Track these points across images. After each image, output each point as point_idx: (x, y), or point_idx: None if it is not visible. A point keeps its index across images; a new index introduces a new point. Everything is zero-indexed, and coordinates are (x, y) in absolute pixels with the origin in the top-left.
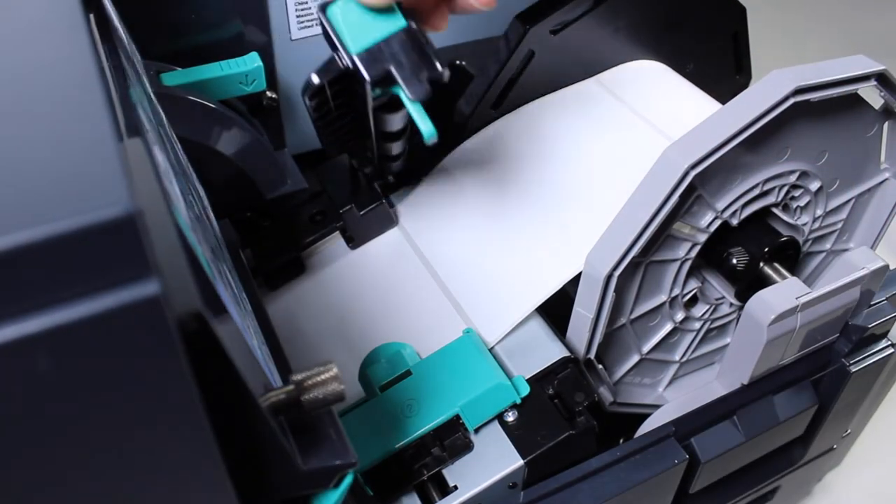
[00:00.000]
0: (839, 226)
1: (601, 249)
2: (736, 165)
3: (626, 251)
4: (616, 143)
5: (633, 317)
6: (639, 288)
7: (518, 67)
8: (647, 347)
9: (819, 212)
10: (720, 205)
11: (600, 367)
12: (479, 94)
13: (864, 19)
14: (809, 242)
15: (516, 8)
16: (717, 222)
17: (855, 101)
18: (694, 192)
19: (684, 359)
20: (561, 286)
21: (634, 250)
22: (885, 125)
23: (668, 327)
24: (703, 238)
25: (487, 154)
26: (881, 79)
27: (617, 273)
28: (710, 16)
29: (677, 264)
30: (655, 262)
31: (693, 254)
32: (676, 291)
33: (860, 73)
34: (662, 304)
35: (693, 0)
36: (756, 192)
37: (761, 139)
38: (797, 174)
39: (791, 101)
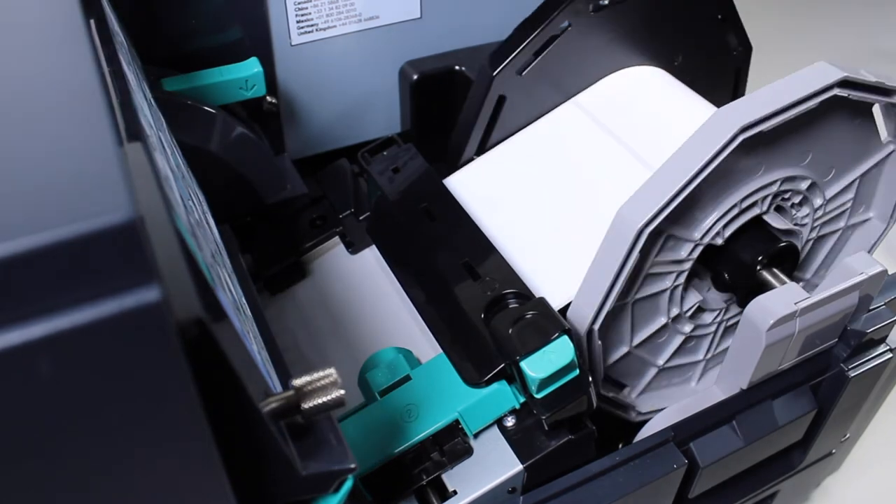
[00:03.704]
0: (849, 205)
1: (579, 306)
2: (703, 199)
3: (602, 303)
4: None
5: (635, 344)
6: (632, 324)
7: (553, 35)
8: (662, 360)
9: (819, 202)
10: (697, 234)
11: (599, 342)
12: (507, 54)
13: (864, 20)
14: (818, 228)
15: (517, 13)
16: (700, 248)
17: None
18: (661, 234)
19: (709, 355)
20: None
21: (610, 301)
22: (875, 108)
23: (680, 339)
24: (687, 266)
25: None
26: (846, 85)
27: (597, 327)
28: (711, 46)
29: (667, 293)
30: (641, 299)
31: (682, 279)
32: (676, 311)
33: (819, 87)
34: (665, 326)
35: (697, 27)
36: (736, 210)
37: (725, 172)
38: (779, 182)
39: (740, 139)
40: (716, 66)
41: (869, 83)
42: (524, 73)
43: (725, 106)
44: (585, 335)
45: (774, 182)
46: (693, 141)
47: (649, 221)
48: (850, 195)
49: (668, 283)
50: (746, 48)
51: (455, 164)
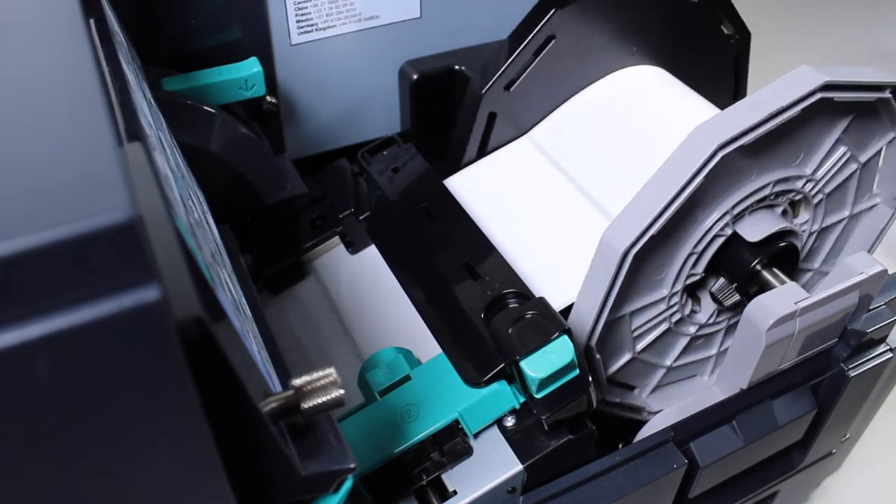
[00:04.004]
0: (852, 194)
1: (574, 324)
2: (693, 211)
3: (595, 322)
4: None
5: (639, 350)
6: (632, 332)
7: (537, 49)
8: (669, 361)
9: (818, 198)
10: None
11: (598, 356)
12: (494, 72)
13: (864, 20)
14: (820, 220)
15: (517, 12)
16: (693, 257)
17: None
18: (650, 252)
19: (722, 348)
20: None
21: (602, 320)
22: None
23: (686, 340)
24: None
25: (492, 173)
26: (830, 88)
27: (593, 343)
28: (712, 37)
29: (665, 301)
30: (639, 309)
31: (678, 286)
32: (677, 317)
33: (801, 94)
34: (668, 331)
35: (697, 18)
36: (728, 217)
37: (708, 189)
38: (772, 184)
39: (719, 155)
40: (714, 56)
41: (853, 83)
42: (512, 88)
43: (703, 122)
44: (584, 351)
45: (765, 186)
46: (672, 160)
47: (633, 244)
48: (852, 184)
49: (665, 291)
50: (744, 34)
51: (455, 168)
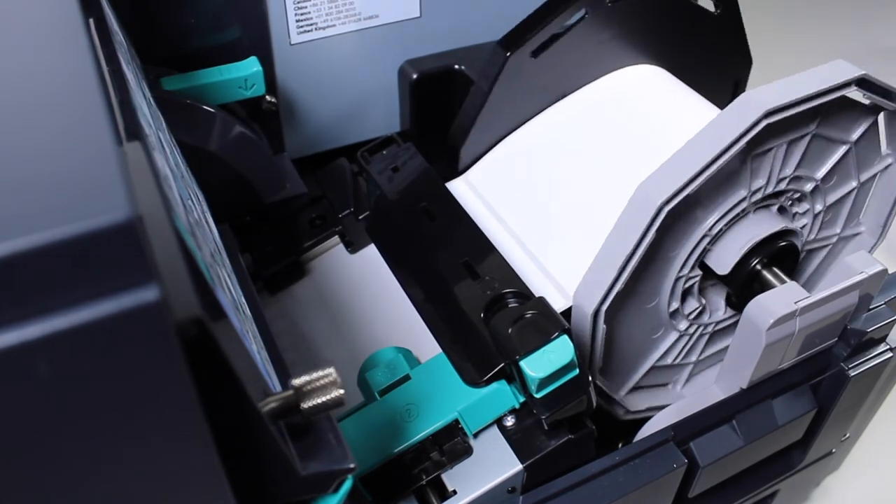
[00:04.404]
0: (845, 214)
1: (588, 285)
2: (709, 192)
3: (613, 282)
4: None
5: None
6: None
7: (568, 24)
8: (654, 358)
9: (819, 207)
10: (700, 232)
11: (604, 326)
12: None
13: (863, 19)
14: (814, 234)
15: (516, 11)
16: (704, 242)
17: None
18: (669, 226)
19: (701, 357)
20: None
21: (622, 281)
22: (879, 118)
23: (675, 336)
24: (690, 263)
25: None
26: (862, 84)
27: (605, 307)
28: (713, 56)
29: (668, 288)
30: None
31: (685, 271)
32: (675, 306)
33: (838, 82)
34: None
35: (698, 36)
36: (745, 204)
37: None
38: (787, 180)
39: (763, 123)
40: (716, 74)
41: (883, 87)
42: (540, 56)
43: (750, 91)
44: (591, 316)
45: (784, 179)
46: (718, 121)
47: (669, 199)
48: (847, 204)
49: (673, 272)
50: (747, 61)
51: (456, 152)
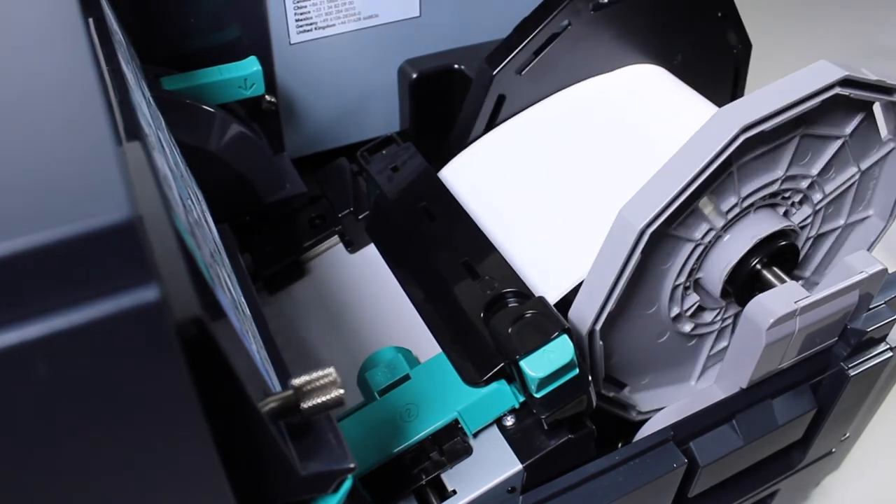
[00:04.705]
0: (849, 201)
1: (580, 305)
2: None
3: (604, 303)
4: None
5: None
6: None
7: (552, 34)
8: (662, 360)
9: (818, 197)
10: (698, 234)
11: (601, 343)
12: (506, 54)
13: (863, 18)
14: (818, 226)
15: (516, 11)
16: (700, 248)
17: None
18: (661, 237)
19: (712, 352)
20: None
21: (612, 302)
22: (875, 106)
23: (680, 339)
24: (688, 267)
25: (488, 160)
26: (847, 84)
27: (598, 327)
28: (711, 44)
29: (667, 292)
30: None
31: (682, 279)
32: (676, 311)
33: (821, 86)
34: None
35: (697, 25)
36: (737, 209)
37: (724, 172)
38: (780, 181)
39: (741, 138)
40: (715, 64)
41: (870, 82)
42: (524, 72)
43: (726, 106)
44: (587, 336)
45: (775, 181)
46: (695, 140)
47: (650, 222)
48: (851, 192)
49: (669, 281)
50: (746, 46)
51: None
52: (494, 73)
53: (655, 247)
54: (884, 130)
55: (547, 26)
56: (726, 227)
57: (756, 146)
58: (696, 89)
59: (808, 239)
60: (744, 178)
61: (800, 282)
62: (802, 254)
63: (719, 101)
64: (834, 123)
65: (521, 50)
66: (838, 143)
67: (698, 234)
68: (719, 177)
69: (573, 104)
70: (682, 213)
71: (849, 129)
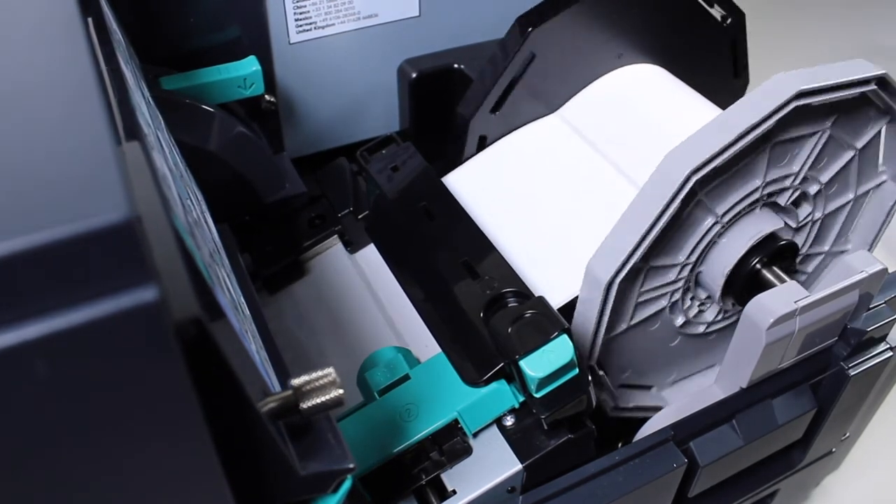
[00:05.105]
0: (853, 179)
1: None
2: (679, 230)
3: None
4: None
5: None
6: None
7: (519, 70)
8: (683, 359)
9: (815, 188)
10: (681, 257)
11: (601, 373)
12: (479, 97)
13: (863, 18)
14: (822, 207)
15: (513, 12)
16: (688, 267)
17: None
18: (641, 270)
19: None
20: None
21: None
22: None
23: (694, 338)
24: (679, 284)
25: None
26: (804, 95)
27: (594, 361)
28: (704, 24)
29: (665, 310)
30: (640, 322)
31: (678, 295)
32: (681, 320)
33: (773, 107)
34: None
35: (685, 7)
36: (718, 227)
37: (687, 211)
38: (759, 188)
39: (692, 181)
40: (710, 43)
41: (830, 86)
42: (498, 112)
43: (675, 148)
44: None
45: (755, 190)
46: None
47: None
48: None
49: (664, 302)
50: (737, 15)
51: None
52: (469, 118)
53: (636, 279)
54: (881, 159)
55: (511, 65)
56: (733, 221)
57: (716, 176)
58: (696, 72)
59: (816, 221)
60: (715, 199)
61: (821, 256)
62: (815, 231)
63: (723, 77)
64: (854, 129)
65: (490, 93)
66: (850, 154)
67: (682, 258)
68: (684, 210)
69: (575, 110)
70: (658, 246)
71: (862, 143)
